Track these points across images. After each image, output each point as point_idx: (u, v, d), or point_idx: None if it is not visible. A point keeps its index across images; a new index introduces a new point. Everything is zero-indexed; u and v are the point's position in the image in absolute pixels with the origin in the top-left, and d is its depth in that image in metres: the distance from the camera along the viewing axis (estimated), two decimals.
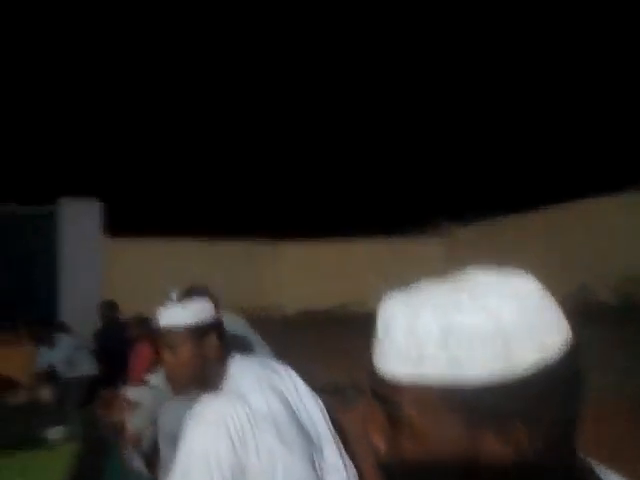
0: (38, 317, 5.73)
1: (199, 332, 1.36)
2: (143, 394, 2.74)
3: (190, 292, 1.45)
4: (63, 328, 4.80)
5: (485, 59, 10.08)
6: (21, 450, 2.84)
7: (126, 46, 10.43)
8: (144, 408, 2.62)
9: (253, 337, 2.32)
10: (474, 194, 9.05)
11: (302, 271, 8.60)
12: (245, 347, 1.77)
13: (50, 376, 4.43)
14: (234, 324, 1.61)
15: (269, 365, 1.46)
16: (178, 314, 1.37)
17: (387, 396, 0.46)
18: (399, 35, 11.17)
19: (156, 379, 2.62)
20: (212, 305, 1.45)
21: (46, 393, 4.40)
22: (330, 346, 5.16)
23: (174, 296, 1.43)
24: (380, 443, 0.48)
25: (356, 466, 1.52)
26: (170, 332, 1.36)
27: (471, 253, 7.99)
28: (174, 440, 2.10)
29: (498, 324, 0.42)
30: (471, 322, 0.43)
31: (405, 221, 9.19)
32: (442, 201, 9.64)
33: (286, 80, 11.60)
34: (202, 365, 1.37)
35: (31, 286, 6.64)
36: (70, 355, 4.47)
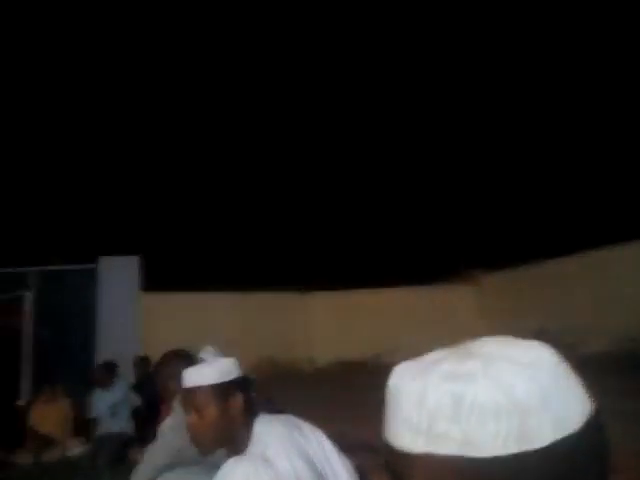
0: (74, 370, 5.85)
1: (223, 390, 1.36)
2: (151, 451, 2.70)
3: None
4: (117, 371, 4.80)
5: (514, 110, 10.18)
6: None
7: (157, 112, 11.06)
8: (146, 468, 2.55)
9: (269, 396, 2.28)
10: (504, 241, 8.91)
11: (333, 321, 8.54)
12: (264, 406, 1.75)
13: (92, 426, 4.46)
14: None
15: (295, 425, 1.43)
16: (202, 373, 1.38)
17: (399, 469, 0.45)
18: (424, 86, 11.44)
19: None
20: (236, 363, 1.45)
21: (80, 449, 4.43)
22: (362, 399, 5.01)
23: (204, 355, 1.45)
24: None
25: None
26: (195, 392, 1.37)
27: (502, 300, 7.80)
28: None
29: (512, 398, 0.41)
30: (484, 395, 0.41)
31: (436, 269, 9.08)
32: (472, 249, 9.52)
33: (314, 134, 11.97)
34: (228, 425, 1.36)
35: (69, 339, 6.83)
36: (123, 396, 4.49)
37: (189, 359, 1.61)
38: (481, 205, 10.46)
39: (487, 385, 0.42)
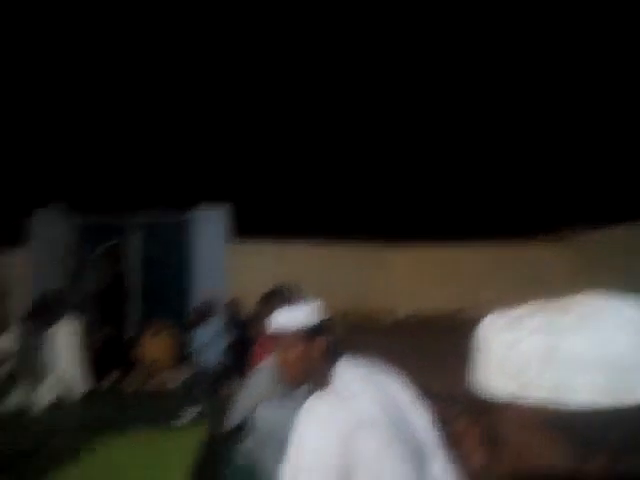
0: (173, 310, 6.45)
1: (308, 333, 1.44)
2: (250, 386, 2.93)
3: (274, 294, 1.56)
4: (212, 311, 5.27)
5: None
6: (156, 429, 3.23)
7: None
8: (245, 400, 2.79)
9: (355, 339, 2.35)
10: (600, 199, 8.10)
11: (414, 274, 8.48)
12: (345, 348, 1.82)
13: (190, 361, 4.97)
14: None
15: (375, 368, 1.49)
16: (289, 317, 1.47)
17: (487, 416, 0.46)
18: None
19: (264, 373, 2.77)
20: (322, 307, 1.52)
21: (180, 379, 4.94)
22: (442, 352, 5.01)
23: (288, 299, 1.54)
24: (479, 458, 0.48)
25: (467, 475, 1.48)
26: (281, 334, 1.47)
27: (594, 261, 7.22)
28: (269, 439, 2.23)
29: (611, 351, 0.40)
30: (582, 347, 0.41)
31: (525, 225, 8.55)
32: (566, 205, 8.79)
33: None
34: (310, 366, 1.46)
35: (166, 285, 7.50)
36: (218, 333, 4.95)
37: (285, 300, 1.70)
38: (580, 159, 9.56)
39: (585, 337, 0.41)
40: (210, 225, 7.70)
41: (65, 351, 4.46)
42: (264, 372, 2.65)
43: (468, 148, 11.16)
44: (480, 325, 0.48)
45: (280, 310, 1.52)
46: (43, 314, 4.34)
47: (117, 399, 4.38)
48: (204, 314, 5.15)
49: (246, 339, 4.56)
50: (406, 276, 8.49)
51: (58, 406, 4.11)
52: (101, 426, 3.29)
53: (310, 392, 1.45)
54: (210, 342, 4.96)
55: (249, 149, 11.24)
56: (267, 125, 11.43)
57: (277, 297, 1.68)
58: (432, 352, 4.78)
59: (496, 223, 8.79)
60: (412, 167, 11.02)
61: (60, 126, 10.06)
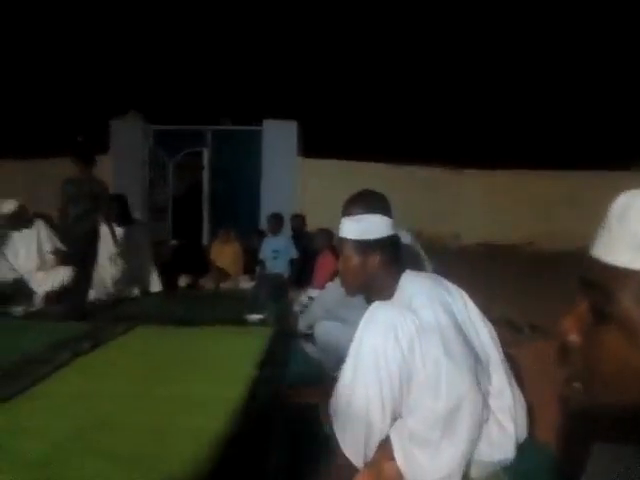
0: (244, 219, 6.73)
1: (363, 247, 1.47)
2: (319, 297, 3.08)
3: (362, 201, 1.55)
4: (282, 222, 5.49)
5: None
6: (226, 326, 3.52)
7: None
8: (314, 310, 2.95)
9: (422, 255, 2.36)
10: None
11: (483, 201, 8.15)
12: (413, 263, 1.82)
13: (258, 268, 5.26)
14: (403, 240, 1.67)
15: (441, 283, 1.49)
16: (348, 227, 1.50)
17: (609, 286, 0.45)
18: None
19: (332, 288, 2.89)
20: (385, 223, 1.51)
21: (248, 284, 5.27)
22: (508, 282, 4.93)
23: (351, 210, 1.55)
24: (575, 336, 0.48)
25: (526, 400, 1.51)
26: (341, 242, 1.52)
27: None
28: (331, 349, 2.35)
29: None
30: None
31: (604, 154, 7.81)
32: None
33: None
34: (366, 276, 1.50)
35: (239, 192, 7.76)
36: (285, 244, 5.20)
37: (368, 207, 1.69)
38: None
39: None
40: (282, 138, 7.71)
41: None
42: (333, 288, 2.77)
43: (544, 75, 10.14)
44: (616, 201, 0.48)
45: (349, 218, 1.53)
46: (118, 216, 4.64)
47: (192, 299, 4.77)
48: (273, 225, 5.35)
49: (310, 252, 4.72)
50: (475, 202, 8.18)
51: (137, 302, 4.57)
52: (177, 321, 3.64)
53: (367, 302, 1.50)
54: (277, 252, 5.19)
55: (325, 69, 10.87)
56: (343, 46, 10.89)
57: (360, 202, 1.68)
58: (495, 280, 4.71)
59: (570, 152, 8.14)
60: (489, 94, 10.23)
61: (141, 41, 10.12)
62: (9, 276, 4.25)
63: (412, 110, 10.46)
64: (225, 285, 5.33)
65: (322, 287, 3.46)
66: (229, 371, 2.58)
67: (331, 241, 4.15)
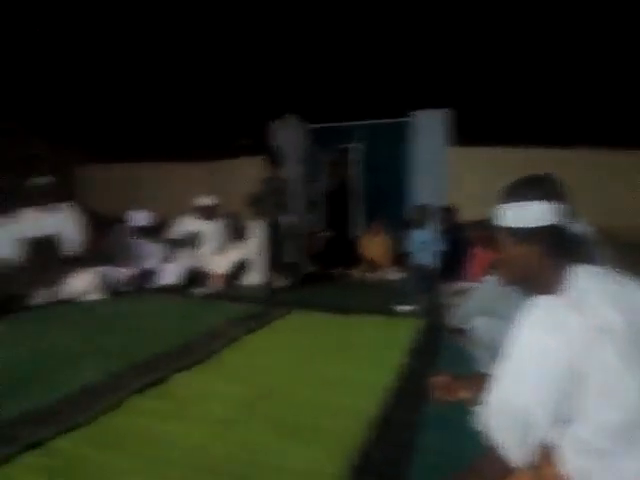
0: (392, 212, 6.77)
1: (520, 236, 1.35)
2: (475, 291, 2.97)
3: (521, 187, 1.44)
4: (429, 214, 5.49)
5: None
6: (376, 315, 3.61)
7: None
8: (468, 304, 2.84)
9: (600, 247, 2.11)
10: None
11: None
12: (591, 258, 1.64)
13: (407, 261, 5.30)
14: (576, 229, 1.51)
15: (618, 279, 1.33)
16: (505, 215, 1.40)
17: None
18: None
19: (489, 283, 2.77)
20: (547, 210, 1.38)
21: (396, 275, 5.32)
22: None
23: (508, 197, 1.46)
24: None
25: None
26: (497, 230, 1.42)
27: None
28: (487, 346, 2.24)
29: None
30: None
31: None
32: None
33: None
34: (525, 268, 1.38)
35: (388, 185, 7.84)
36: (434, 236, 5.18)
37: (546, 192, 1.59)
38: None
39: None
40: (432, 128, 7.57)
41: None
42: (489, 283, 2.66)
43: None
44: None
45: (507, 205, 1.45)
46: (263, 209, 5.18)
47: (343, 287, 5.00)
48: (422, 217, 5.30)
49: (462, 244, 4.56)
50: None
51: (292, 289, 4.93)
52: (330, 308, 3.85)
53: (524, 294, 1.41)
54: (426, 244, 5.13)
55: (471, 57, 10.32)
56: (494, 31, 10.18)
57: (519, 188, 1.57)
58: None
59: None
60: None
61: (297, 47, 10.80)
62: (194, 262, 4.99)
63: (565, 95, 9.35)
64: (374, 276, 5.46)
65: (474, 280, 3.33)
66: (380, 357, 2.66)
67: (486, 233, 3.96)
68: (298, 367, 2.52)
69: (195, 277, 4.93)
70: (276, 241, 4.71)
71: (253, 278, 4.94)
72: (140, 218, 4.92)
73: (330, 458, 1.60)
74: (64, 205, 4.13)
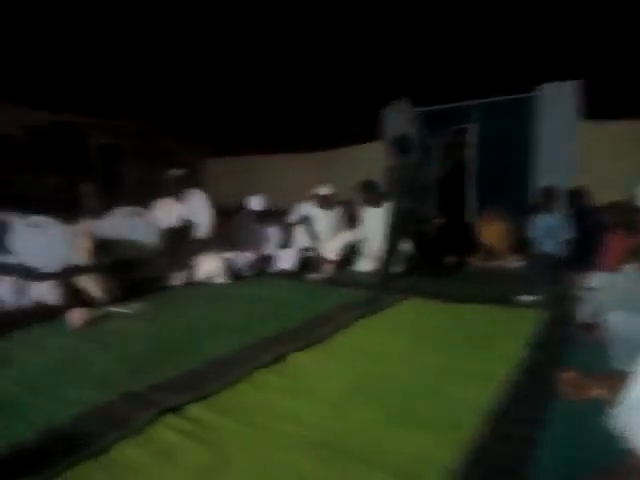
0: (513, 195, 6.33)
1: None
2: (611, 282, 2.67)
3: None
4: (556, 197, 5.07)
5: None
6: (494, 305, 3.43)
7: None
8: (602, 296, 2.56)
9: None
10: None
11: None
12: None
13: (530, 248, 4.95)
14: None
15: None
16: None
17: None
18: None
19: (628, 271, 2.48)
20: None
21: (517, 263, 4.98)
22: None
23: None
24: None
25: None
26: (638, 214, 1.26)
27: None
28: (617, 342, 2.00)
29: None
30: None
31: None
32: None
33: None
34: None
35: (508, 167, 7.32)
36: (560, 222, 4.79)
37: None
38: None
39: None
40: (556, 105, 6.88)
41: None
42: (626, 273, 2.40)
43: None
44: None
45: None
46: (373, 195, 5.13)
47: (458, 276, 4.81)
48: (548, 200, 4.88)
49: (595, 230, 4.12)
50: None
51: (406, 275, 4.86)
52: (444, 296, 3.75)
53: None
54: (550, 230, 4.72)
55: (601, 20, 9.11)
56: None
57: None
58: None
59: None
60: None
61: (400, 32, 10.52)
62: (309, 247, 5.21)
63: None
64: (493, 264, 5.18)
65: (611, 270, 3.00)
66: (498, 349, 2.54)
67: (624, 217, 3.52)
68: (411, 354, 2.51)
69: (309, 262, 5.12)
70: (395, 227, 4.68)
71: (365, 264, 4.99)
72: (256, 203, 5.24)
73: (442, 447, 1.57)
74: (195, 195, 4.54)
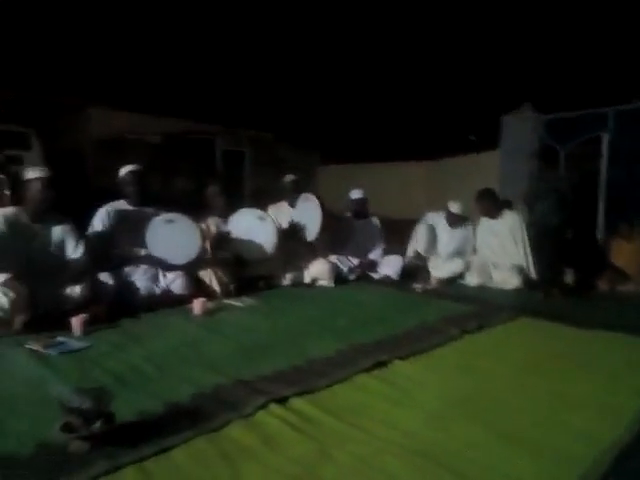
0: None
1: None
2: None
3: None
4: None
5: None
6: (621, 334, 3.07)
7: None
8: None
9: None
10: None
11: None
12: None
13: None
14: None
15: None
16: None
17: None
18: None
19: None
20: None
21: None
22: None
23: None
24: None
25: None
26: None
27: None
28: None
29: None
30: None
31: None
32: None
33: None
34: None
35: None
36: None
37: None
38: None
39: None
40: None
41: (514, 241, 4.82)
42: None
43: None
44: None
45: None
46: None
47: (580, 297, 4.39)
48: None
49: None
50: None
51: (519, 292, 4.55)
52: (562, 319, 3.45)
53: None
54: None
55: None
56: None
57: None
58: None
59: None
60: None
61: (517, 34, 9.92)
62: (420, 256, 5.11)
63: None
64: (624, 288, 4.63)
65: None
66: (623, 379, 2.29)
67: None
68: (521, 377, 2.35)
69: (415, 271, 5.04)
70: (543, 242, 4.46)
71: (474, 278, 4.78)
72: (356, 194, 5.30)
73: (562, 477, 1.47)
74: (307, 199, 4.72)
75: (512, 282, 4.61)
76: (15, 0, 8.96)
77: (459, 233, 5.14)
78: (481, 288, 4.65)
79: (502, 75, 10.27)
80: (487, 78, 10.40)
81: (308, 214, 4.64)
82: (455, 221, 5.13)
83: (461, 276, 4.92)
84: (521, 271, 4.70)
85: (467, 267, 4.88)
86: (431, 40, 10.31)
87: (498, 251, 4.90)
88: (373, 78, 11.71)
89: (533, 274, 4.77)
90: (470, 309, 3.73)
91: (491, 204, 4.96)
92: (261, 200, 5.42)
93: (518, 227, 4.83)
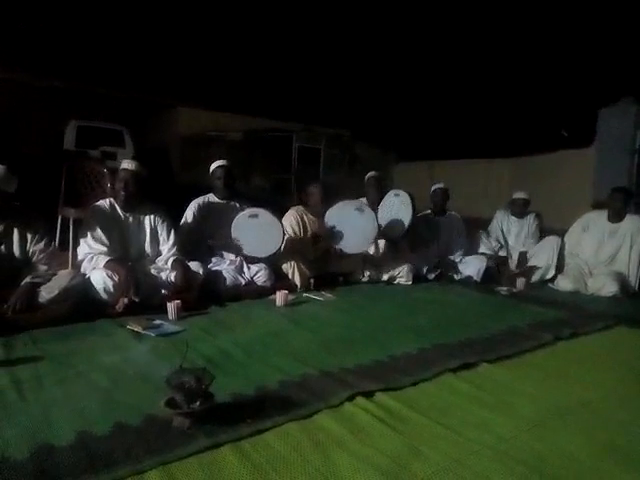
0: None
1: None
2: None
3: None
4: None
5: None
6: None
7: None
8: None
9: None
10: None
11: None
12: None
13: None
14: None
15: None
16: None
17: None
18: None
19: None
20: None
21: None
22: None
23: None
24: None
25: None
26: None
27: None
28: None
29: None
30: None
31: None
32: None
33: None
34: None
35: None
36: None
37: None
38: None
39: None
40: None
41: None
42: None
43: None
44: None
45: None
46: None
47: None
48: None
49: None
50: None
51: (619, 300, 4.21)
52: None
53: None
54: None
55: None
56: None
57: None
58: None
59: None
60: None
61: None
62: (499, 256, 4.97)
63: None
64: None
65: None
66: None
67: None
68: (624, 387, 2.19)
69: (497, 272, 4.83)
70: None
71: (567, 283, 4.49)
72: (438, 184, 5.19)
73: None
74: (399, 195, 4.62)
75: (610, 289, 4.27)
76: (116, 8, 9.70)
77: (526, 221, 5.20)
78: (572, 294, 4.36)
79: (599, 65, 9.50)
80: (582, 68, 9.66)
81: (396, 210, 4.56)
82: (519, 208, 5.17)
83: (552, 280, 4.66)
84: (621, 278, 4.35)
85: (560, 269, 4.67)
86: (520, 29, 9.76)
87: (601, 255, 4.57)
88: (459, 72, 11.32)
89: (634, 282, 4.41)
90: (562, 315, 3.51)
91: (624, 205, 4.60)
92: (335, 197, 5.43)
93: (637, 232, 4.46)
